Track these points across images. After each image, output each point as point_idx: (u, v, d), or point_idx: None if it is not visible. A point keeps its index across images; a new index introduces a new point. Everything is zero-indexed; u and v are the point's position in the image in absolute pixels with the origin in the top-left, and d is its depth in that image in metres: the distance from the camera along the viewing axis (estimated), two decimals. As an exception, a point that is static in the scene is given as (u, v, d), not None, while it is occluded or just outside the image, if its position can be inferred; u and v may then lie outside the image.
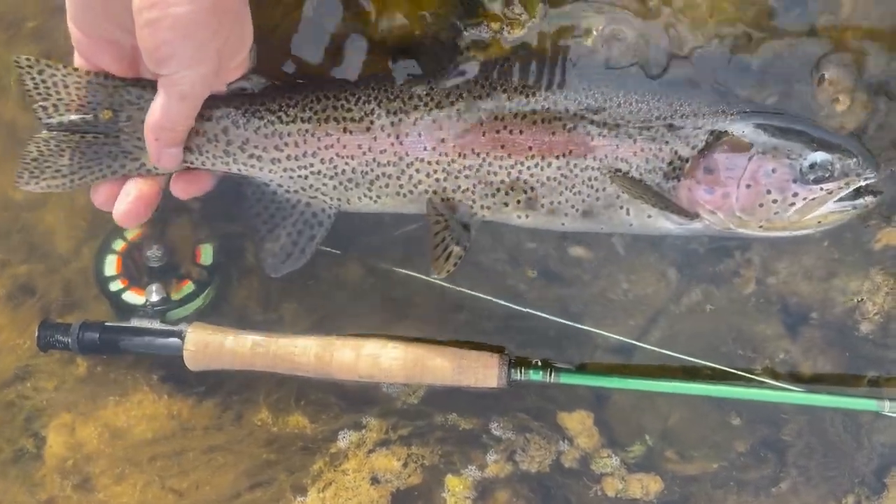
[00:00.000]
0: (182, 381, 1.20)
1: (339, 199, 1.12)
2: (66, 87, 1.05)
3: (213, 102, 1.07)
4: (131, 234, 1.18)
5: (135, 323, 1.15)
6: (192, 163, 1.10)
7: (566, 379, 1.12)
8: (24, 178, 1.07)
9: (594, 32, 1.10)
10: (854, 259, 1.13)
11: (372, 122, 1.08)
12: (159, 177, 1.09)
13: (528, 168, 1.08)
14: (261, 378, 1.17)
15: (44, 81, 1.04)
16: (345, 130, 1.09)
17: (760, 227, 1.06)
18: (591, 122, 1.07)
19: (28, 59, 1.04)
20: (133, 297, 1.16)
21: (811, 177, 1.03)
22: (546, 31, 1.10)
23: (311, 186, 1.12)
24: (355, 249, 1.19)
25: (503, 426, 1.17)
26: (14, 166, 1.07)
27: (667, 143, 1.06)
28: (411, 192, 1.10)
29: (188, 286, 1.17)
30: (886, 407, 1.07)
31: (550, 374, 1.12)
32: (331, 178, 1.11)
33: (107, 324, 1.16)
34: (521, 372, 1.12)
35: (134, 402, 1.20)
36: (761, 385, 1.12)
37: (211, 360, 1.14)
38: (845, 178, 1.03)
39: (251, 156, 1.10)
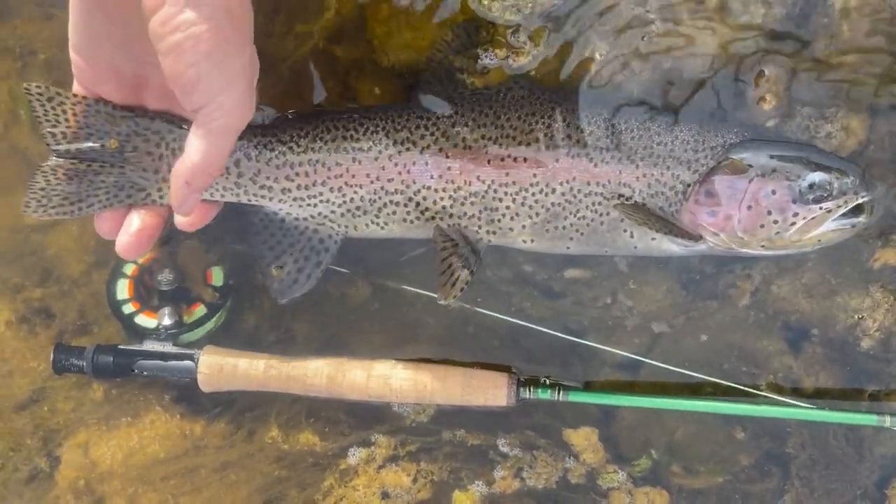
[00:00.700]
0: (194, 400, 1.21)
1: (346, 226, 1.14)
2: (74, 114, 1.05)
3: None
4: (142, 258, 1.19)
5: (148, 346, 1.16)
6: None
7: (574, 397, 1.13)
8: (32, 207, 1.07)
9: (598, 58, 1.11)
10: (854, 277, 1.15)
11: (380, 152, 1.10)
12: (162, 208, 1.09)
13: (533, 194, 1.09)
14: (271, 397, 1.18)
15: (53, 109, 1.05)
16: (354, 160, 1.11)
17: (762, 246, 1.08)
18: (595, 147, 1.08)
19: (38, 87, 1.05)
20: (145, 321, 1.17)
21: (810, 196, 1.05)
22: (550, 59, 1.12)
23: (319, 214, 1.13)
24: (363, 268, 1.21)
25: (510, 443, 1.18)
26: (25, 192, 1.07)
27: (668, 167, 1.08)
28: (418, 218, 1.12)
29: (200, 309, 1.18)
30: (887, 421, 1.08)
31: (559, 393, 1.13)
32: (339, 205, 1.12)
33: (120, 347, 1.16)
34: (529, 391, 1.13)
35: (146, 423, 1.21)
36: (765, 401, 1.13)
37: (224, 383, 1.15)
38: (843, 197, 1.05)
39: (262, 186, 1.11)
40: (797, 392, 1.16)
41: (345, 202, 1.12)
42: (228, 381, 1.15)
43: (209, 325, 1.18)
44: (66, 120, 1.06)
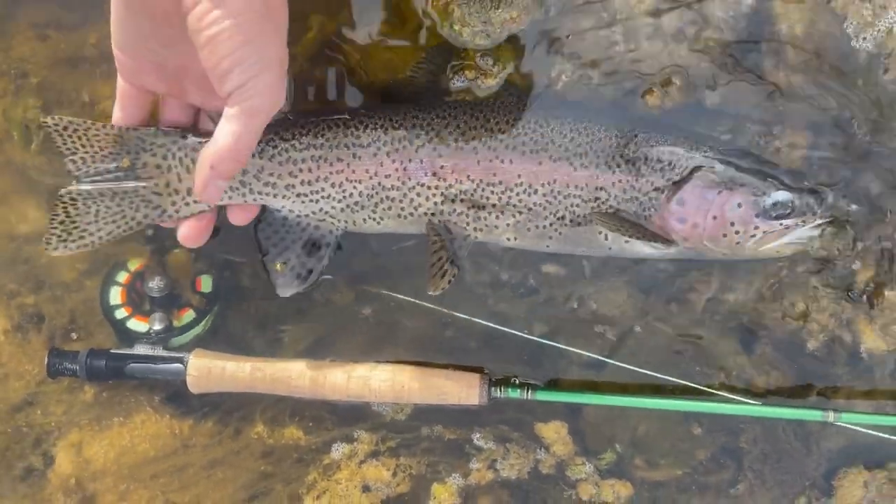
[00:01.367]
0: (183, 401, 1.22)
1: (345, 221, 1.17)
2: (88, 139, 1.07)
3: None
4: (134, 266, 1.21)
5: (139, 349, 1.18)
6: None
7: (542, 396, 1.17)
8: (53, 244, 1.09)
9: (563, 79, 1.16)
10: (802, 281, 1.19)
11: (378, 149, 1.14)
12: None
13: (517, 194, 1.14)
14: (258, 396, 1.20)
15: (69, 137, 1.07)
16: (354, 156, 1.14)
17: (724, 255, 1.13)
18: (575, 153, 1.13)
19: (55, 119, 1.07)
20: (137, 325, 1.19)
21: (773, 213, 1.10)
22: (517, 80, 1.16)
23: (321, 210, 1.16)
24: (346, 274, 1.23)
25: (485, 437, 1.21)
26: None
27: (643, 175, 1.13)
28: (412, 214, 1.15)
29: (189, 314, 1.20)
30: (831, 417, 1.12)
31: (528, 392, 1.17)
32: (339, 201, 1.15)
33: (112, 351, 1.18)
34: (500, 390, 1.17)
35: (137, 423, 1.22)
36: (720, 399, 1.17)
37: (212, 384, 1.18)
38: (802, 217, 1.10)
39: (266, 183, 1.13)
40: (750, 390, 1.19)
41: (345, 197, 1.15)
42: (216, 383, 1.18)
43: (198, 330, 1.21)
44: (83, 146, 1.07)
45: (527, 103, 1.15)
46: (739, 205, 1.10)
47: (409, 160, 1.13)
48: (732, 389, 1.19)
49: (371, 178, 1.13)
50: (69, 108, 1.12)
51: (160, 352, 1.19)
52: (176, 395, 1.23)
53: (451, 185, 1.13)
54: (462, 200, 1.14)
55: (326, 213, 1.16)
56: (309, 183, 1.13)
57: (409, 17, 1.15)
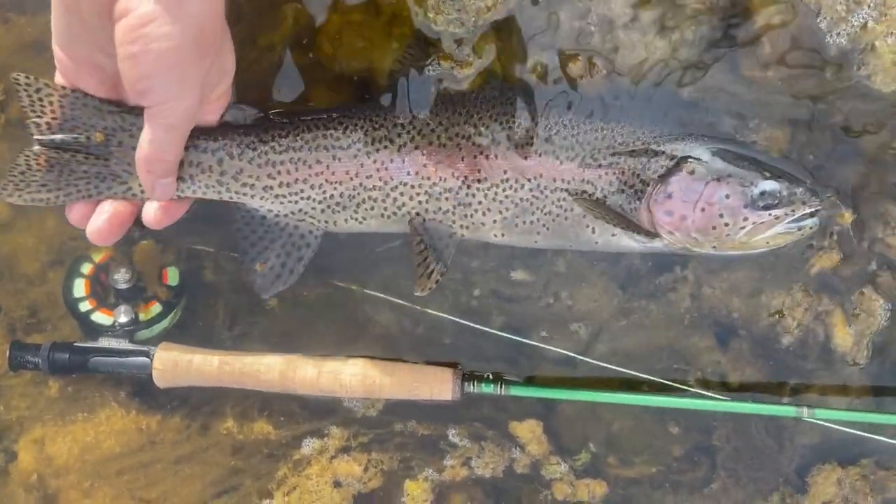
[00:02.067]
0: (150, 395, 1.21)
1: (326, 222, 1.15)
2: (61, 106, 1.05)
3: (208, 134, 1.09)
4: (98, 257, 1.19)
5: (103, 343, 1.16)
6: (182, 192, 1.10)
7: (516, 391, 1.17)
8: (9, 190, 1.07)
9: (538, 69, 1.15)
10: (778, 277, 1.19)
11: (359, 150, 1.12)
12: (136, 198, 1.10)
13: (504, 190, 1.13)
14: (226, 391, 1.19)
15: (40, 100, 1.05)
16: (334, 158, 1.13)
17: (713, 247, 1.12)
18: (561, 147, 1.12)
19: (27, 78, 1.04)
20: (102, 318, 1.17)
21: (761, 203, 1.09)
22: (497, 72, 1.15)
23: (300, 210, 1.15)
24: (317, 268, 1.21)
25: (459, 434, 1.21)
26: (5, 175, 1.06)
27: (630, 167, 1.12)
28: (395, 213, 1.14)
29: (155, 307, 1.19)
30: (805, 413, 1.13)
31: (501, 387, 1.16)
32: (320, 202, 1.14)
33: (76, 344, 1.17)
34: (473, 385, 1.16)
35: (102, 418, 1.21)
36: (694, 395, 1.17)
37: (179, 378, 1.17)
38: (791, 206, 1.09)
39: (244, 184, 1.12)
40: (724, 386, 1.19)
41: (325, 198, 1.14)
42: (183, 377, 1.17)
43: (164, 323, 1.20)
44: (53, 111, 1.05)
45: (509, 97, 1.14)
46: (727, 196, 1.10)
47: (391, 160, 1.12)
48: (707, 385, 1.19)
49: (352, 178, 1.13)
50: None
51: (125, 345, 1.17)
52: (142, 390, 1.22)
53: (435, 184, 1.12)
54: (447, 198, 1.13)
55: (306, 213, 1.15)
56: (288, 185, 1.13)
57: (383, 5, 1.14)
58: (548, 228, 1.14)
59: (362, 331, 1.23)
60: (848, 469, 1.19)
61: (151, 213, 1.08)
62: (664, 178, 1.11)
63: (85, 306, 1.18)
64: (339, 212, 1.14)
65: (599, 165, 1.12)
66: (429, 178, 1.12)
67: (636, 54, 1.14)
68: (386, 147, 1.12)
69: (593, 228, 1.14)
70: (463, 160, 1.12)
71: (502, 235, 1.15)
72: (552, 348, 1.20)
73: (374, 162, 1.12)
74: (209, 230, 1.21)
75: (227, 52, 1.03)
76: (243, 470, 1.21)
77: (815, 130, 1.16)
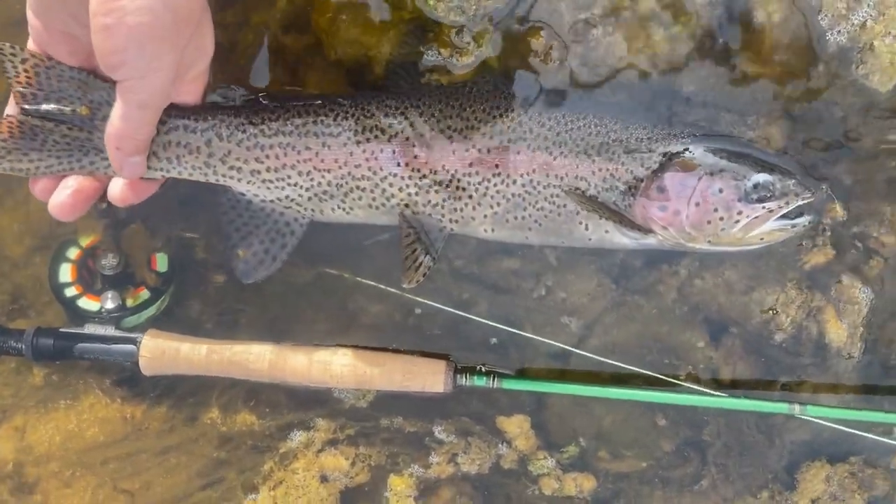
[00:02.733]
0: (135, 384, 1.20)
1: (312, 210, 1.14)
2: (48, 77, 1.04)
3: (197, 115, 1.08)
4: (85, 242, 1.18)
5: (89, 329, 1.15)
6: (167, 172, 1.10)
7: (508, 384, 1.16)
8: None
9: (538, 60, 1.14)
10: (771, 274, 1.19)
11: (349, 138, 1.11)
12: (102, 174, 1.08)
13: (495, 185, 1.12)
14: (213, 380, 1.18)
15: (25, 70, 1.03)
16: (323, 145, 1.11)
17: (708, 242, 1.12)
18: (554, 142, 1.12)
19: (13, 48, 1.03)
20: (88, 304, 1.16)
21: (754, 196, 1.09)
22: (494, 64, 1.14)
23: (286, 197, 1.13)
24: (307, 255, 1.20)
25: (446, 429, 1.20)
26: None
27: (623, 163, 1.12)
28: (384, 204, 1.13)
29: (143, 293, 1.18)
30: (797, 409, 1.13)
31: (493, 380, 1.16)
32: (307, 189, 1.13)
33: (61, 330, 1.15)
34: (466, 378, 1.16)
35: (86, 406, 1.20)
36: (686, 390, 1.17)
37: (166, 367, 1.15)
38: (784, 198, 1.09)
39: (231, 167, 1.11)
40: (716, 382, 1.19)
41: (312, 186, 1.12)
42: (170, 365, 1.15)
43: (152, 310, 1.18)
44: (39, 82, 1.04)
45: (503, 90, 1.13)
46: (721, 190, 1.10)
47: (381, 150, 1.11)
48: (699, 381, 1.19)
49: (341, 167, 1.11)
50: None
51: (112, 332, 1.16)
52: (128, 378, 1.21)
53: (425, 176, 1.11)
54: (437, 191, 1.12)
55: (293, 200, 1.13)
56: (275, 170, 1.11)
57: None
58: (540, 224, 1.13)
59: (353, 319, 1.22)
60: (836, 466, 1.19)
61: (118, 190, 1.06)
62: (657, 173, 1.11)
63: (71, 291, 1.17)
64: (326, 200, 1.13)
65: (593, 161, 1.11)
66: (419, 171, 1.11)
67: (633, 47, 1.14)
68: (376, 137, 1.11)
69: (586, 225, 1.13)
70: (454, 153, 1.11)
71: (492, 231, 1.15)
72: (545, 340, 1.19)
73: (364, 151, 1.11)
74: (198, 216, 1.20)
75: (206, 31, 1.01)
76: (229, 462, 1.20)
77: (812, 128, 1.17)
